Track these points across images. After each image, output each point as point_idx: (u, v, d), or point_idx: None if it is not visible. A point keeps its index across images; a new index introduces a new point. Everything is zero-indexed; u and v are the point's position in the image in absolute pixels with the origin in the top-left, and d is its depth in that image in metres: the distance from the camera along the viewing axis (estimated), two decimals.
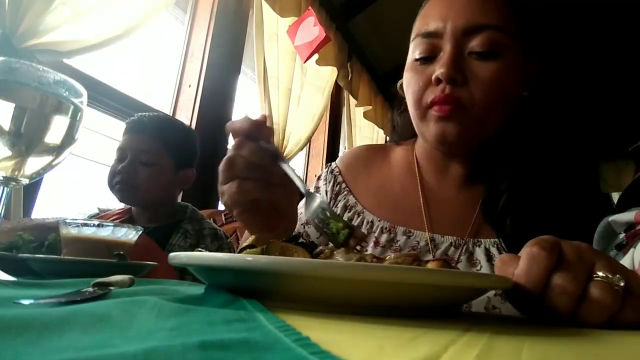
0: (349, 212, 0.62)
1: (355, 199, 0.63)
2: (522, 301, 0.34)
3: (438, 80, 0.51)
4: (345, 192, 0.64)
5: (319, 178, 0.69)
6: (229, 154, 0.44)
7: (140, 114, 1.11)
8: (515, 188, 0.55)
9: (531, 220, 0.52)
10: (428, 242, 0.56)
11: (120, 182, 1.02)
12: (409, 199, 0.61)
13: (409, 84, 0.56)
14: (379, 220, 0.59)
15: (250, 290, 0.30)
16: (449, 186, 0.61)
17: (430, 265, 0.33)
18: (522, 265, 0.33)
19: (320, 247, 0.39)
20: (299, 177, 0.46)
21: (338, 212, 0.62)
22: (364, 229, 0.59)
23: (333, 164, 0.69)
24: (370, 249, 0.57)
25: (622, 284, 0.31)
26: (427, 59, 0.54)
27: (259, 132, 0.44)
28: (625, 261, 0.59)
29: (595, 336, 0.28)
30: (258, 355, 0.15)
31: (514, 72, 0.53)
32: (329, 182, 0.66)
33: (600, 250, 0.69)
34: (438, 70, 0.51)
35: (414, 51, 0.56)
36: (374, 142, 3.08)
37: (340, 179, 0.66)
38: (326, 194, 0.66)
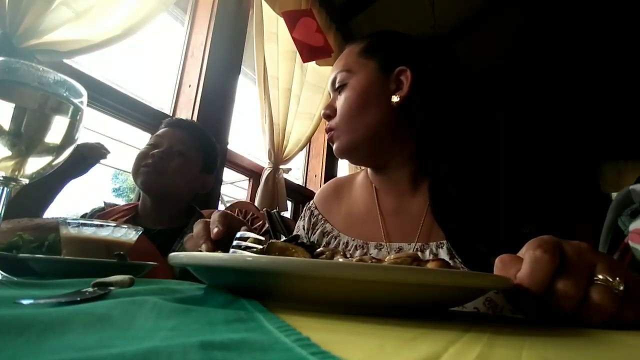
0: (327, 237, 0.73)
1: (331, 225, 0.74)
2: (523, 303, 0.34)
3: None
4: (322, 222, 0.76)
5: (301, 220, 0.82)
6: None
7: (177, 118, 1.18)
8: (455, 188, 0.61)
9: (470, 219, 0.58)
10: (388, 251, 0.65)
11: (153, 164, 1.02)
12: (371, 216, 0.71)
13: None
14: (353, 240, 0.69)
15: (250, 290, 0.30)
16: (399, 195, 0.70)
17: (430, 265, 0.33)
18: (525, 269, 0.33)
19: (321, 248, 0.39)
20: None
21: (316, 238, 0.73)
22: (340, 248, 0.68)
23: (311, 202, 0.83)
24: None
25: (621, 288, 0.31)
26: None
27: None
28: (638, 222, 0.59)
29: (595, 336, 0.28)
30: (258, 355, 0.15)
31: (366, 90, 0.68)
32: (306, 217, 0.79)
33: (613, 217, 0.70)
34: None
35: None
36: None
37: (316, 212, 0.79)
38: (303, 228, 0.78)
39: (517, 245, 0.37)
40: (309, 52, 2.01)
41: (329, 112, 0.71)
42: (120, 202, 1.22)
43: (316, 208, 0.79)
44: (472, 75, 0.73)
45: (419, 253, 0.62)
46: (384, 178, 0.72)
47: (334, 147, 0.71)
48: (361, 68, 0.70)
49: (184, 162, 1.06)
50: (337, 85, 0.71)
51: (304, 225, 0.78)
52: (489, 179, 0.61)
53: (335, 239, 0.71)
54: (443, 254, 0.61)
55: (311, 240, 0.74)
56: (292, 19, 1.97)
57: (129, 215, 1.07)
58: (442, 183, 0.63)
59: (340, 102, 0.69)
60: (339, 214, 0.76)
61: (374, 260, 0.35)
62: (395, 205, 0.70)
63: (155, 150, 1.04)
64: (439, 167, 0.64)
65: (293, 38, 1.98)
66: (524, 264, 0.34)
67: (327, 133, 0.72)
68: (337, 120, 0.69)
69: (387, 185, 0.72)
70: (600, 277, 0.32)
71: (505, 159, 0.65)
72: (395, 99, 0.67)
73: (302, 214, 0.81)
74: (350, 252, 0.67)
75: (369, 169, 0.76)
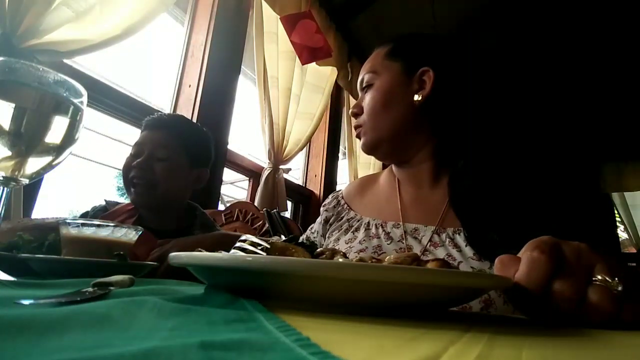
0: (350, 221, 0.79)
1: (355, 212, 0.81)
2: (522, 303, 0.34)
3: None
4: (346, 210, 0.83)
5: (323, 205, 0.89)
6: None
7: (158, 113, 1.11)
8: (471, 180, 0.65)
9: (485, 210, 0.62)
10: (404, 229, 0.70)
11: (137, 178, 0.99)
12: (391, 203, 0.77)
13: None
14: (374, 220, 0.75)
15: (250, 290, 0.30)
16: (419, 187, 0.75)
17: (430, 265, 0.33)
18: (522, 269, 0.33)
19: (321, 248, 0.39)
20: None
21: (342, 226, 0.79)
22: (362, 227, 0.75)
23: (339, 191, 0.89)
24: (368, 237, 0.72)
25: (620, 289, 0.31)
26: None
27: None
28: None
29: (595, 336, 0.28)
30: (258, 355, 0.15)
31: (390, 90, 0.72)
32: (333, 205, 0.86)
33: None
34: None
35: None
36: None
37: (342, 201, 0.85)
38: (331, 216, 0.84)
39: (534, 236, 0.37)
40: (309, 53, 2.01)
41: (357, 111, 0.77)
42: (122, 200, 1.19)
43: (343, 198, 0.86)
44: (495, 72, 0.76)
45: (436, 235, 0.66)
46: (407, 171, 0.77)
47: (361, 143, 0.77)
48: (386, 69, 0.74)
49: (168, 167, 1.02)
50: (364, 85, 0.76)
51: (330, 212, 0.85)
52: (505, 173, 0.64)
53: (358, 221, 0.77)
54: (459, 240, 0.64)
55: (336, 229, 0.80)
56: (290, 23, 1.97)
57: (134, 217, 1.04)
58: (460, 176, 0.67)
59: (366, 101, 0.74)
60: (362, 202, 0.83)
61: (374, 260, 0.35)
62: (415, 196, 0.75)
63: (136, 162, 1.00)
64: (458, 161, 0.69)
65: (292, 42, 1.98)
66: (521, 264, 0.34)
67: (355, 130, 0.78)
68: (364, 118, 0.75)
69: (409, 177, 0.76)
70: (599, 277, 0.32)
71: (521, 155, 0.67)
72: (417, 97, 0.71)
73: (329, 201, 0.87)
74: (372, 230, 0.73)
75: (393, 165, 0.81)
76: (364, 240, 0.71)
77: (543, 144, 0.72)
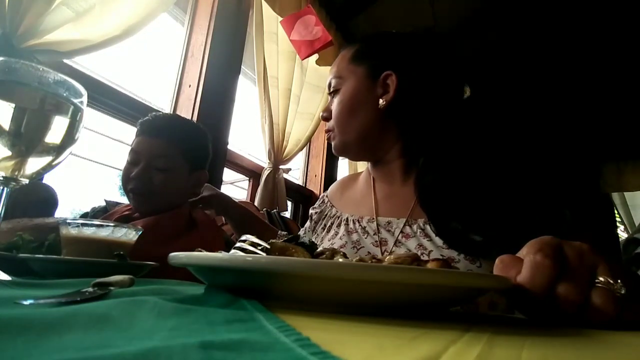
0: (332, 218, 0.83)
1: (336, 209, 0.85)
2: (523, 304, 0.34)
3: None
4: (329, 208, 0.87)
5: (312, 207, 0.95)
6: None
7: (153, 114, 1.07)
8: (431, 177, 0.68)
9: (447, 203, 0.64)
10: (377, 222, 0.73)
11: (136, 188, 0.98)
12: (366, 199, 0.80)
13: None
14: (352, 216, 0.79)
15: (250, 290, 0.30)
16: (392, 183, 0.78)
17: (430, 265, 0.33)
18: (525, 274, 0.33)
19: (321, 248, 0.39)
20: None
21: (325, 224, 0.84)
22: (342, 224, 0.78)
23: (325, 193, 0.94)
24: (347, 232, 0.76)
25: (623, 292, 0.31)
26: None
27: None
28: None
29: (595, 336, 0.28)
30: (258, 355, 0.15)
31: (356, 95, 0.75)
32: (320, 205, 0.91)
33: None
34: None
35: None
36: None
37: (326, 199, 0.90)
38: (315, 214, 0.90)
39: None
40: (307, 45, 1.99)
41: (326, 115, 0.80)
42: (123, 200, 1.19)
43: (327, 196, 0.92)
44: (463, 72, 0.76)
45: (407, 227, 0.69)
46: (380, 169, 0.80)
47: (333, 145, 0.80)
48: (351, 75, 0.77)
49: (167, 176, 1.00)
50: (331, 90, 0.79)
51: (316, 211, 0.90)
52: (468, 169, 0.66)
53: (338, 218, 0.81)
54: (429, 230, 0.67)
55: (321, 227, 0.84)
56: (291, 24, 1.97)
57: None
58: (423, 172, 0.70)
59: (334, 106, 0.77)
60: (342, 200, 0.87)
61: (374, 260, 0.35)
62: (387, 191, 0.78)
63: (134, 173, 0.98)
64: (420, 158, 0.72)
65: (292, 41, 1.97)
66: (524, 268, 0.33)
67: (326, 134, 0.81)
68: (332, 123, 0.78)
69: (382, 175, 0.80)
70: (602, 279, 0.32)
71: (493, 153, 0.68)
72: (381, 102, 0.73)
73: (317, 204, 0.93)
74: (350, 225, 0.76)
75: (369, 163, 0.84)
76: (344, 235, 0.75)
77: (535, 143, 0.73)
